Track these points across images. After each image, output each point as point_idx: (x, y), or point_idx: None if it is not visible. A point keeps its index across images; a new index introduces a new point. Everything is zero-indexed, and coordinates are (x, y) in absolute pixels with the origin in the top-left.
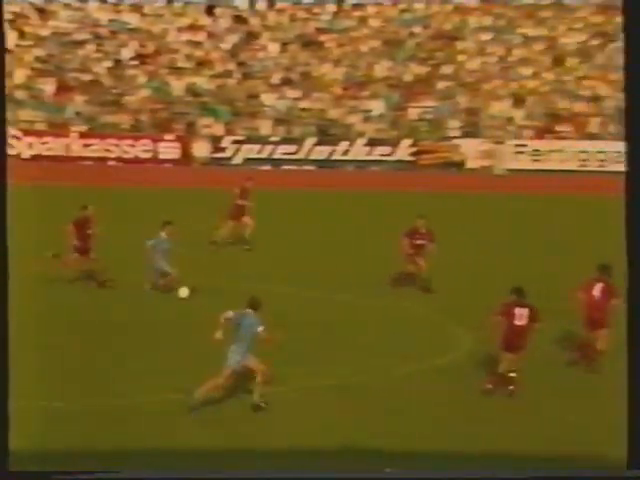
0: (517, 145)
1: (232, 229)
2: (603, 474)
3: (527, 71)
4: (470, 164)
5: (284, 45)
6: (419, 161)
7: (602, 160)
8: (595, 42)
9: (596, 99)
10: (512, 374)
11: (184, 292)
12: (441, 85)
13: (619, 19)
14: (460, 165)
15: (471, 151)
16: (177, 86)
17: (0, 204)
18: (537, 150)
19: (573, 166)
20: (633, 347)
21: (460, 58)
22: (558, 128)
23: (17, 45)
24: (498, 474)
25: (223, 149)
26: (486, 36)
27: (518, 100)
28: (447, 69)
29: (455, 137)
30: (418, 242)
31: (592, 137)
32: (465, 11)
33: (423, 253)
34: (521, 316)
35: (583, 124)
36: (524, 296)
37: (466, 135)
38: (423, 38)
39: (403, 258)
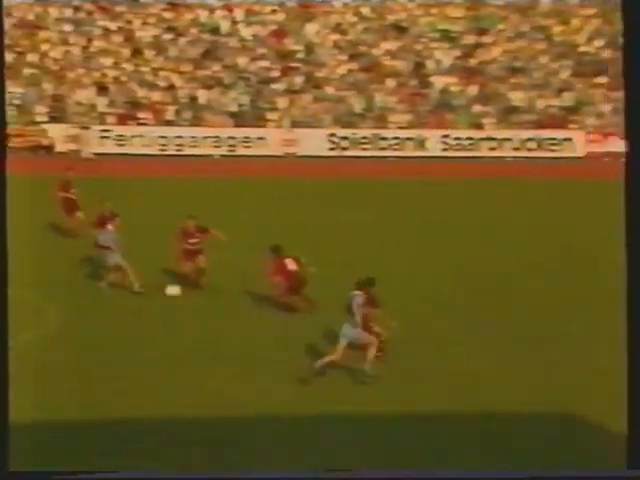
0: (102, 130)
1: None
2: (603, 474)
3: (108, 61)
4: (59, 148)
5: None
6: (10, 144)
7: (179, 145)
8: (168, 36)
9: (171, 89)
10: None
11: (174, 290)
12: (27, 72)
13: (189, 15)
14: (50, 148)
15: (59, 135)
16: None
17: None
18: (121, 135)
19: (154, 150)
20: (633, 346)
21: (44, 47)
22: (139, 115)
23: None
24: (498, 474)
25: None
26: (68, 27)
27: (101, 88)
28: (32, 57)
29: (43, 122)
30: (192, 241)
31: (169, 123)
32: (45, 3)
33: (201, 251)
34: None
35: (161, 112)
36: (367, 286)
37: (53, 120)
38: (7, 26)
39: (178, 261)
